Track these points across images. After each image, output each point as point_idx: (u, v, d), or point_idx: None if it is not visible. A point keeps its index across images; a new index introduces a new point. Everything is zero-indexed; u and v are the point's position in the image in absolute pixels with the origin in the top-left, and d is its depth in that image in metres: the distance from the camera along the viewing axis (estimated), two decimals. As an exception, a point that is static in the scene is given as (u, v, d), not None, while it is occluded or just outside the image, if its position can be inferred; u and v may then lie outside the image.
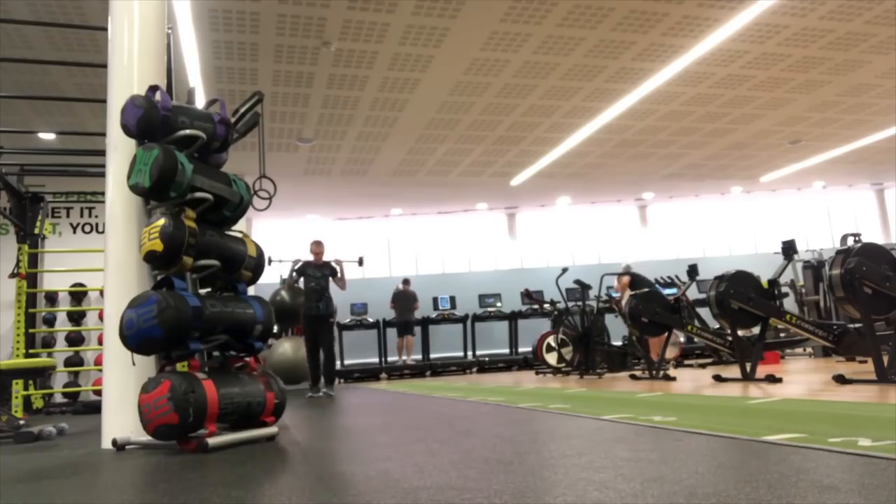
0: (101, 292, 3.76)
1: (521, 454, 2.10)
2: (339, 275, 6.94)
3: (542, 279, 11.19)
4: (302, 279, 6.95)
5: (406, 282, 11.22)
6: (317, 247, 7.04)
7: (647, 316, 5.97)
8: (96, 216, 8.65)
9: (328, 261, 7.01)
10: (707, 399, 3.77)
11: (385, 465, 2.10)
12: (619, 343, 8.52)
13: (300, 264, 6.95)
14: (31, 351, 5.96)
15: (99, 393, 4.55)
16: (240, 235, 3.25)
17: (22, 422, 3.78)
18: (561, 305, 8.62)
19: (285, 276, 9.76)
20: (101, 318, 4.70)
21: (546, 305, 9.53)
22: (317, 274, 6.89)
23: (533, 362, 8.87)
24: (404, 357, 10.75)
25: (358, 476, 1.98)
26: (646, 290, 6.77)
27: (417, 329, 10.84)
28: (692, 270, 6.28)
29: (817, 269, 8.15)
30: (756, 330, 5.30)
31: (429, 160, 10.36)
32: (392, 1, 5.72)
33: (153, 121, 2.94)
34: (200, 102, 6.84)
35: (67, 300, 8.14)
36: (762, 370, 5.24)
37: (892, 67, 7.81)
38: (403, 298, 10.91)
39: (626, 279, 8.09)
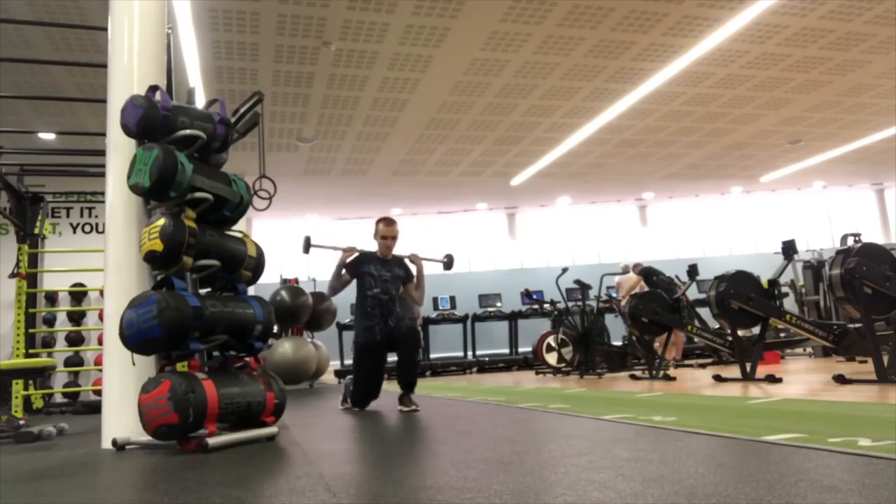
0: (101, 292, 3.76)
1: (521, 454, 2.10)
2: (415, 279, 4.50)
3: (542, 279, 11.17)
4: (354, 281, 4.31)
5: None
6: (388, 227, 4.37)
7: (648, 316, 5.97)
8: (96, 216, 8.64)
9: (400, 256, 4.50)
10: (707, 399, 3.77)
11: (385, 465, 2.10)
12: (619, 343, 8.52)
13: (355, 256, 4.33)
14: (31, 351, 5.94)
15: (99, 393, 4.55)
16: (240, 235, 3.24)
17: (22, 422, 3.77)
18: (561, 305, 8.61)
19: (286, 276, 9.49)
20: (101, 318, 4.70)
21: (546, 305, 9.52)
22: (384, 274, 4.31)
23: (533, 362, 8.87)
24: None
25: (358, 476, 1.98)
26: (649, 290, 6.75)
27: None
28: (692, 270, 6.28)
29: (817, 269, 8.15)
30: (756, 330, 5.30)
31: (429, 160, 10.36)
32: (392, 1, 5.72)
33: (153, 121, 2.94)
34: (200, 102, 6.83)
35: (67, 300, 8.12)
36: (762, 370, 5.24)
37: (892, 67, 7.80)
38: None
39: (635, 280, 8.05)
